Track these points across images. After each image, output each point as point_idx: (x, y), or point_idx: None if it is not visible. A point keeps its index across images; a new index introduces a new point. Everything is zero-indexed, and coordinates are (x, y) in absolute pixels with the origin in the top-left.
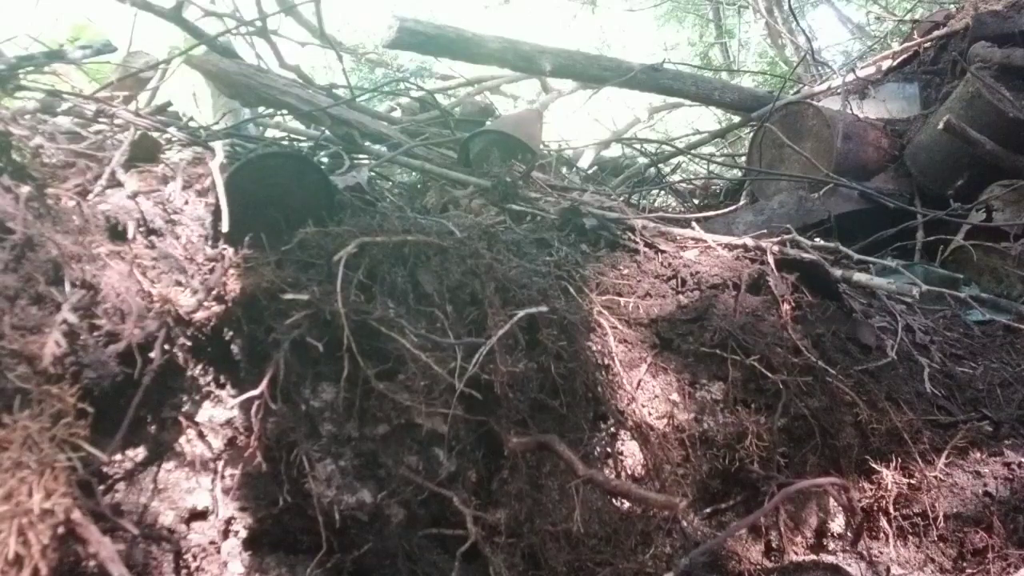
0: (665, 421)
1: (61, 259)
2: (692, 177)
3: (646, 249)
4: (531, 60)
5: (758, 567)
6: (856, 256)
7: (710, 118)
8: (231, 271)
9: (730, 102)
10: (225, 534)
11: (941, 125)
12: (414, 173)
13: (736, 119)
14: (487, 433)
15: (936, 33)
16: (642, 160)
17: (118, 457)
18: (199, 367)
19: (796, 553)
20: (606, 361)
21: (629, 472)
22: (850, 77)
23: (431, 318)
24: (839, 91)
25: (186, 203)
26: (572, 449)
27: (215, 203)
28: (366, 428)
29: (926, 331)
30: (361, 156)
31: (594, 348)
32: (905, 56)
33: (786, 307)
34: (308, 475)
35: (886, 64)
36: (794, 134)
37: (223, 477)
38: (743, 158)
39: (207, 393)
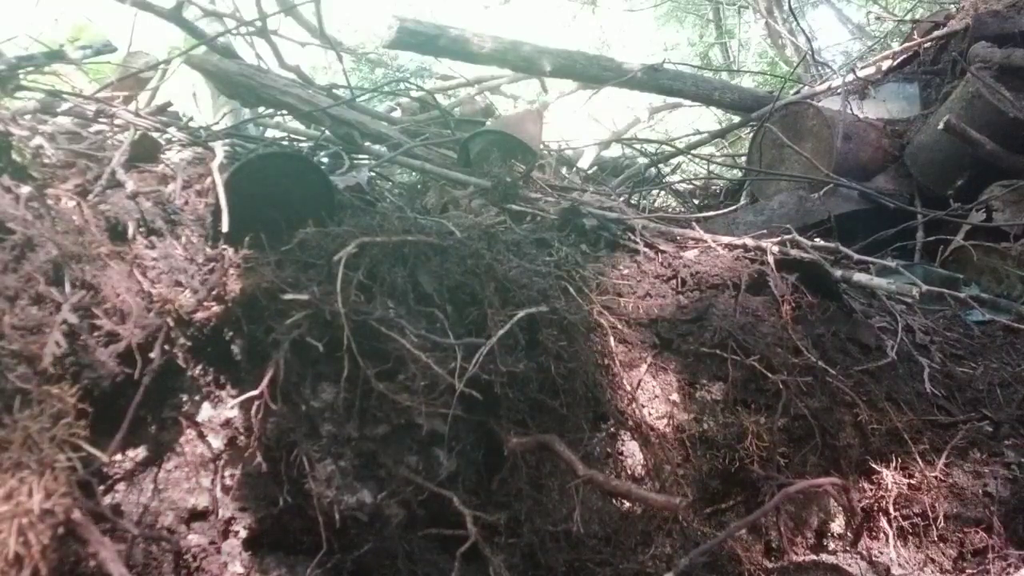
0: (665, 421)
1: (61, 259)
2: (692, 177)
3: (646, 249)
4: (531, 61)
5: (758, 567)
6: (856, 256)
7: (710, 118)
8: (231, 271)
9: (730, 102)
10: (225, 534)
11: (941, 125)
12: (414, 173)
13: (736, 119)
14: (487, 433)
15: (936, 33)
16: (642, 160)
17: (118, 457)
18: (199, 367)
19: (796, 553)
20: (606, 361)
21: (629, 472)
22: (850, 77)
23: (431, 318)
24: (839, 91)
25: (186, 203)
26: (572, 449)
27: (215, 203)
28: (366, 428)
29: (926, 331)
30: (361, 156)
31: (594, 348)
32: (905, 56)
33: (786, 307)
34: (308, 475)
35: (886, 64)
36: (794, 134)
37: (223, 477)
38: (743, 158)
39: (207, 393)
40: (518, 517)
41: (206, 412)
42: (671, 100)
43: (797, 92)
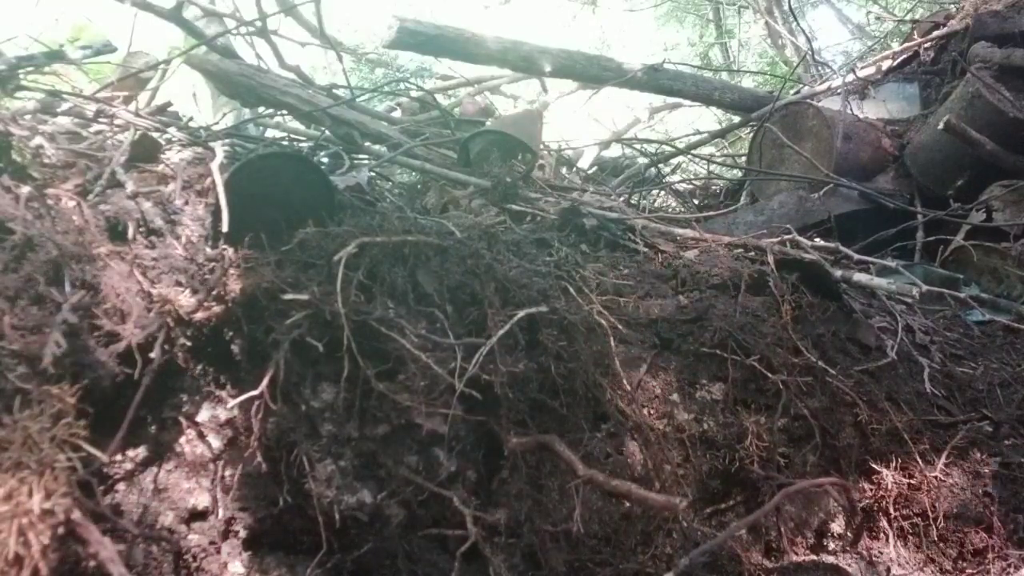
0: (665, 421)
1: (61, 259)
2: (692, 177)
3: (646, 249)
4: (531, 61)
5: (758, 567)
6: (856, 256)
7: (710, 118)
8: (231, 271)
9: (730, 102)
10: (225, 534)
11: (941, 125)
12: (414, 173)
13: (736, 119)
14: (487, 433)
15: (936, 33)
16: (642, 160)
17: (118, 457)
18: (199, 367)
19: (796, 553)
20: (606, 361)
21: (629, 472)
22: (850, 77)
23: (431, 318)
24: (839, 91)
25: (186, 203)
26: (572, 449)
27: (215, 203)
28: (366, 428)
29: (926, 331)
30: (361, 156)
31: (594, 348)
32: (905, 56)
33: (786, 307)
34: (308, 475)
35: (886, 64)
36: (794, 134)
37: (223, 477)
38: (743, 158)
39: (207, 393)
40: (518, 517)
41: (206, 412)
42: (671, 100)
43: (797, 92)
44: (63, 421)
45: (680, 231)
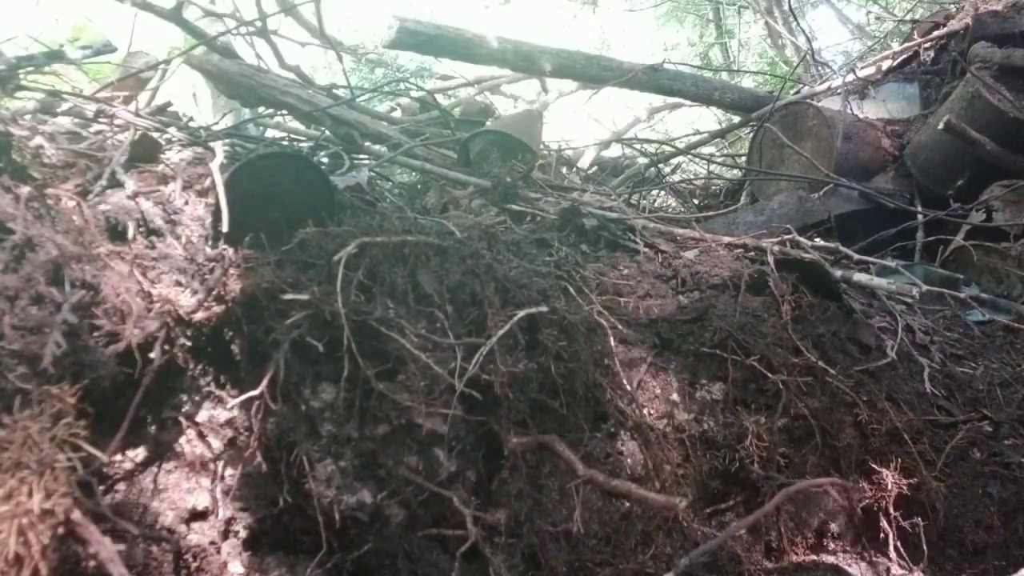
0: (665, 421)
1: (61, 259)
2: (692, 177)
3: (646, 249)
4: (531, 60)
5: (758, 567)
6: (856, 256)
7: (710, 118)
8: (231, 271)
9: (730, 102)
10: (225, 534)
11: (941, 125)
12: (414, 173)
13: (736, 119)
14: (487, 433)
15: (936, 33)
16: (642, 160)
17: (118, 457)
18: (199, 367)
19: (796, 553)
20: (606, 361)
21: (629, 472)
22: (850, 77)
23: (431, 318)
24: (839, 91)
25: (186, 203)
26: (572, 449)
27: (215, 203)
28: (366, 428)
29: (926, 331)
30: (361, 156)
31: (594, 348)
32: (905, 56)
33: (786, 307)
34: (308, 475)
35: (886, 64)
36: (794, 134)
37: (223, 477)
38: (743, 158)
39: (207, 393)
40: (518, 517)
41: (206, 412)
42: (671, 100)
43: (797, 92)
44: (63, 421)
45: (680, 231)
